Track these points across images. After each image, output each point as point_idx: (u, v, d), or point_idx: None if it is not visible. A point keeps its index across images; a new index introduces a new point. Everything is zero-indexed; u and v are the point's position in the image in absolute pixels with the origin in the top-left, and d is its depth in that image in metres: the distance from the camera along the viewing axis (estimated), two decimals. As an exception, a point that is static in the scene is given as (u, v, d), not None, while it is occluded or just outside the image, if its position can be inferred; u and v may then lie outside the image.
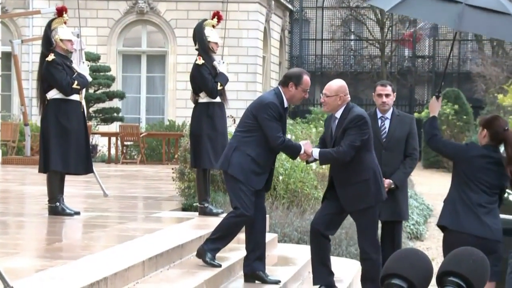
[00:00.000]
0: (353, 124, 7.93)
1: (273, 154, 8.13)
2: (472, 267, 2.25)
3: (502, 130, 7.37)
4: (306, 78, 8.20)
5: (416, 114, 36.16)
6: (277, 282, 8.04)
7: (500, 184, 7.37)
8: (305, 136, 17.27)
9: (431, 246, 14.50)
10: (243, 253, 8.86)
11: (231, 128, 13.13)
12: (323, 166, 14.17)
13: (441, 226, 7.53)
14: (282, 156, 12.74)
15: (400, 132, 8.96)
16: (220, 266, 8.05)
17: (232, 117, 14.93)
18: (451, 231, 7.29)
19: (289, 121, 22.54)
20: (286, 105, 8.06)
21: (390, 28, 44.45)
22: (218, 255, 8.56)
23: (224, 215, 10.53)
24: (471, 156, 7.36)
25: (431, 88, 45.15)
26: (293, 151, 8.13)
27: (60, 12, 10.34)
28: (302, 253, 10.06)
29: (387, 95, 8.98)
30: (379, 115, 9.04)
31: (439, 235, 15.47)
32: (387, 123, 9.01)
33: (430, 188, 23.61)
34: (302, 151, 8.05)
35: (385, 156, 8.82)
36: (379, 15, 43.89)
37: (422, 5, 8.34)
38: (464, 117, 34.25)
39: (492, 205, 7.32)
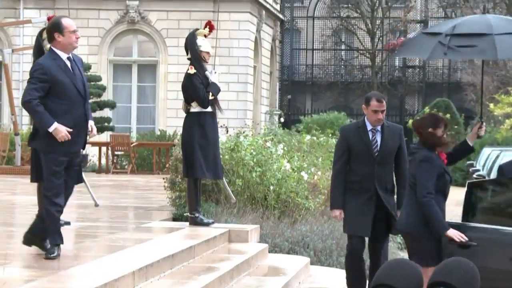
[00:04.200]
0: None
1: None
2: (462, 278, 2.26)
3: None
4: None
5: (409, 124, 36.25)
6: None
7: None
8: (297, 144, 17.27)
9: (422, 256, 14.49)
10: (234, 263, 8.86)
11: (223, 138, 13.15)
12: (315, 177, 14.17)
13: None
14: (274, 167, 12.74)
15: (391, 144, 8.68)
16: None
17: (225, 126, 14.94)
18: None
19: (280, 131, 22.59)
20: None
21: (381, 38, 44.50)
22: (209, 264, 8.56)
23: (215, 225, 10.54)
24: None
25: (421, 98, 45.25)
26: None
27: (51, 21, 10.32)
28: (293, 264, 10.05)
29: (382, 111, 8.62)
30: (369, 127, 8.65)
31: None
32: (378, 136, 8.64)
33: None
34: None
35: (378, 170, 8.56)
36: (369, 25, 43.98)
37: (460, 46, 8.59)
38: (455, 126, 34.27)
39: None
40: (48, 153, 7.67)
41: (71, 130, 7.58)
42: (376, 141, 8.60)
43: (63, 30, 7.76)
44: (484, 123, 8.83)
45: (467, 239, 7.66)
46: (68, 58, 7.82)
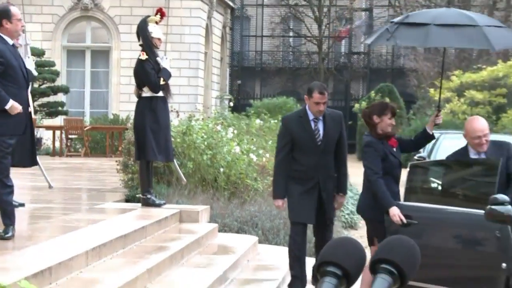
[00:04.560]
0: None
1: None
2: (403, 255, 2.27)
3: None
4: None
5: (356, 108, 36.46)
6: None
7: None
8: (246, 128, 17.29)
9: (364, 234, 14.59)
10: (185, 242, 8.86)
11: (175, 122, 13.12)
12: (263, 159, 14.21)
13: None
14: (224, 149, 12.75)
15: (334, 132, 8.57)
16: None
17: (176, 110, 14.89)
18: None
19: (231, 115, 22.58)
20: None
21: (328, 26, 44.63)
22: (160, 244, 8.55)
23: (167, 206, 10.53)
24: None
25: (366, 83, 45.52)
26: None
27: (5, 7, 10.20)
28: (241, 242, 10.08)
29: (324, 103, 8.46)
30: (310, 116, 8.47)
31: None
32: (320, 125, 8.51)
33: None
34: None
35: (322, 159, 8.47)
36: (316, 12, 44.09)
37: (446, 36, 8.96)
38: (397, 111, 34.50)
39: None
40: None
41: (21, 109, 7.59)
42: (319, 131, 8.50)
43: (11, 18, 7.73)
44: (441, 112, 8.93)
45: (405, 221, 7.78)
46: (13, 45, 7.79)
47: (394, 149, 8.40)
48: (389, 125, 8.39)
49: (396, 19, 9.46)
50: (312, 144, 8.44)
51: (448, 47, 9.71)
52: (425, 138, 8.76)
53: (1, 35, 7.71)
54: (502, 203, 7.03)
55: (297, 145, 8.47)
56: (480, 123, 8.08)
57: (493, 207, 7.03)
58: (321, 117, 8.50)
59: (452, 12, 9.67)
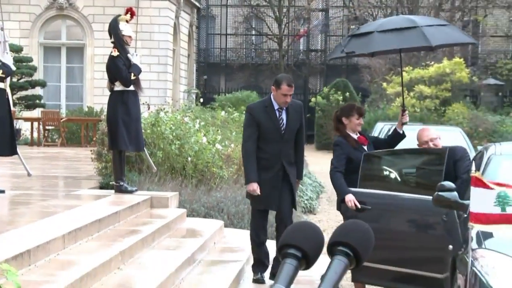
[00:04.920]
0: None
1: None
2: (358, 238, 2.29)
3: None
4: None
5: (312, 102, 36.56)
6: None
7: None
8: (212, 120, 17.27)
9: (323, 218, 14.68)
10: (156, 226, 8.85)
11: (145, 114, 13.07)
12: (229, 149, 14.20)
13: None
14: (191, 140, 12.73)
15: (295, 122, 8.51)
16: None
17: (147, 103, 14.83)
18: None
19: (197, 108, 22.53)
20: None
21: (287, 25, 44.69)
22: (133, 228, 8.53)
23: (138, 192, 10.51)
24: None
25: (323, 78, 45.64)
26: None
27: (-15, 7, 10.10)
28: (208, 226, 10.09)
29: (291, 95, 8.43)
30: (275, 106, 8.41)
31: (329, 209, 15.71)
32: (284, 115, 8.45)
33: (321, 167, 23.85)
34: None
35: (284, 147, 8.42)
36: (277, 12, 44.13)
37: (389, 39, 9.27)
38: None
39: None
40: None
41: None
42: (283, 120, 8.44)
43: None
44: (407, 111, 9.10)
45: (359, 206, 7.85)
46: None
47: (365, 147, 8.48)
48: (357, 125, 8.48)
49: (350, 33, 9.94)
50: (276, 133, 8.36)
51: (388, 49, 9.89)
52: (397, 137, 8.89)
53: None
54: (448, 189, 7.10)
55: (262, 133, 8.36)
56: (426, 132, 8.45)
57: (440, 193, 7.09)
58: (284, 107, 8.45)
59: (397, 18, 9.99)
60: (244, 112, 19.19)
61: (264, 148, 8.40)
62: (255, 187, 8.30)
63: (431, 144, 8.20)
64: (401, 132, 8.86)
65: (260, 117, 8.41)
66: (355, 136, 8.47)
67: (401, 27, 9.19)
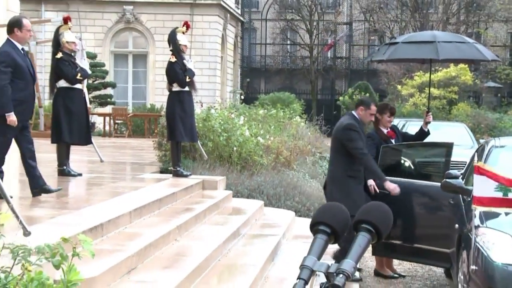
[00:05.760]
0: None
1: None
2: (379, 217, 2.27)
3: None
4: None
5: (339, 101, 36.35)
6: None
7: None
8: (254, 116, 17.23)
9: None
10: (206, 205, 8.86)
11: (198, 110, 13.10)
12: (268, 141, 14.16)
13: None
14: (237, 132, 12.73)
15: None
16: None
17: (200, 102, 14.86)
18: None
19: (241, 106, 22.52)
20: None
21: (317, 36, 44.51)
22: (187, 206, 8.56)
23: (192, 176, 10.54)
24: None
25: (347, 81, 45.39)
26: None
27: (66, 20, 10.19)
28: (251, 206, 10.09)
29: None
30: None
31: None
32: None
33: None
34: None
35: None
36: (308, 25, 43.97)
37: (407, 50, 9.32)
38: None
39: None
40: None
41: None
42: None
43: (22, 27, 7.47)
44: (430, 112, 9.11)
45: (378, 191, 7.78)
46: (22, 49, 7.55)
47: (393, 140, 8.43)
48: (388, 122, 8.40)
49: (389, 41, 10.06)
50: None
51: (405, 58, 9.97)
52: (422, 134, 8.86)
53: (12, 40, 7.45)
54: (454, 177, 7.05)
55: None
56: None
57: (447, 180, 7.04)
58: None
59: (423, 33, 10.02)
60: (279, 109, 19.15)
61: (358, 162, 7.86)
62: (395, 185, 7.73)
63: None
64: (426, 130, 8.84)
65: (361, 134, 7.91)
66: (385, 130, 8.42)
67: (420, 41, 9.27)
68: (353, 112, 8.01)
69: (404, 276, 8.57)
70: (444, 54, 9.08)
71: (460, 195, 7.10)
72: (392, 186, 7.69)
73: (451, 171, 7.23)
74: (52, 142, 10.10)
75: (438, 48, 9.03)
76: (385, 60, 9.83)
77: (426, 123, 8.87)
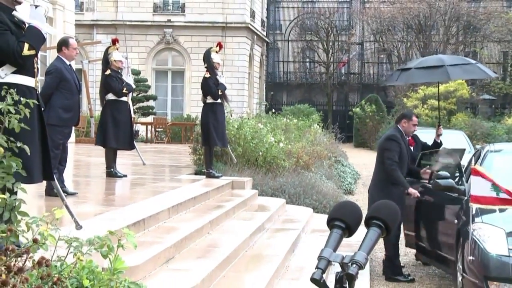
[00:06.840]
0: None
1: None
2: (388, 214, 2.23)
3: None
4: None
5: (353, 112, 36.20)
6: None
7: None
8: (279, 124, 17.20)
9: (359, 198, 14.52)
10: (235, 202, 8.84)
11: (230, 120, 13.09)
12: (289, 146, 14.12)
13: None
14: (263, 139, 12.70)
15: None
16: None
17: (231, 112, 14.85)
18: None
19: (266, 116, 22.51)
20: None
21: (333, 54, 44.46)
22: (218, 204, 8.54)
23: (223, 178, 10.53)
24: None
25: (359, 94, 45.22)
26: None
27: (114, 42, 10.25)
28: (274, 203, 10.06)
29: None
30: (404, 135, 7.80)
31: (364, 191, 15.51)
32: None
33: (358, 160, 23.64)
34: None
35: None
36: (325, 45, 43.95)
37: (420, 75, 9.36)
38: (381, 113, 34.29)
39: None
40: (59, 126, 7.42)
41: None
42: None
43: (69, 46, 7.60)
44: (441, 126, 9.09)
45: (419, 195, 7.66)
46: (69, 65, 7.65)
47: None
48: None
49: (400, 67, 10.16)
50: (405, 157, 7.72)
51: (421, 81, 10.07)
52: (436, 144, 8.79)
53: (61, 57, 7.61)
54: (444, 177, 7.05)
55: (401, 157, 7.65)
56: None
57: (437, 180, 7.07)
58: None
59: (431, 58, 10.01)
60: (299, 118, 19.11)
61: (401, 170, 7.68)
62: (416, 191, 7.68)
63: None
64: (438, 141, 8.80)
65: (402, 144, 7.71)
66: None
67: (431, 65, 9.28)
68: (398, 125, 7.79)
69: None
70: (454, 76, 9.31)
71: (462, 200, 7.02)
72: (412, 191, 7.62)
73: (441, 172, 7.21)
74: (96, 144, 10.24)
75: (448, 71, 9.08)
76: (401, 84, 9.97)
77: (438, 135, 8.82)
